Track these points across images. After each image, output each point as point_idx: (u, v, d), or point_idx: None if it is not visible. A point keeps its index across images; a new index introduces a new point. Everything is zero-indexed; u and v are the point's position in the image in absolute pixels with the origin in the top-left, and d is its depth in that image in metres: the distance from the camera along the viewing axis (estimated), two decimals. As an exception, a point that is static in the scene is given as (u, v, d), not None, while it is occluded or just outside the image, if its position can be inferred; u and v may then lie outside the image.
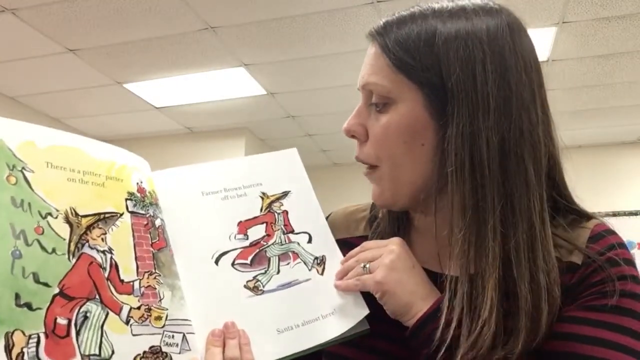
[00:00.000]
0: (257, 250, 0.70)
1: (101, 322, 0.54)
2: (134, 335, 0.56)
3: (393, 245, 0.68)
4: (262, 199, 0.73)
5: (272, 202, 0.74)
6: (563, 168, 0.69)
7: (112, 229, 0.59)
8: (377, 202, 0.71)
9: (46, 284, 0.51)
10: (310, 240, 0.73)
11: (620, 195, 4.93)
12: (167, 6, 2.95)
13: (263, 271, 0.69)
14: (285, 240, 0.72)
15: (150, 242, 0.62)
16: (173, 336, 0.59)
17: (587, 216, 0.69)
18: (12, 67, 3.68)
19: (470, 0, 0.67)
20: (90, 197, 0.59)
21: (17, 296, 0.49)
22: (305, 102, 4.27)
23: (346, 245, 0.77)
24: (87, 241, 0.56)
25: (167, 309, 0.60)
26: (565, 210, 0.69)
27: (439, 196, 0.66)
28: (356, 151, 0.71)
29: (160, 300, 0.60)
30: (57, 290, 0.52)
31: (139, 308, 0.58)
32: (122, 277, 0.58)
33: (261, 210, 0.73)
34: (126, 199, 0.62)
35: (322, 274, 0.71)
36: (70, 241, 0.55)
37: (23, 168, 0.54)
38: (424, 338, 0.62)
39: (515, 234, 0.61)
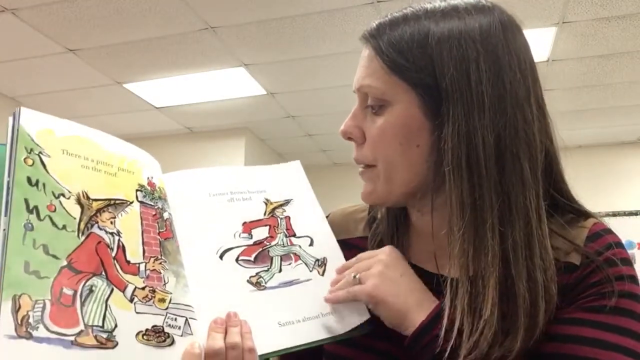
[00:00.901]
0: (261, 249, 0.72)
1: (106, 297, 0.57)
2: (137, 312, 0.58)
3: (382, 255, 0.68)
4: (266, 204, 0.76)
5: (275, 208, 0.77)
6: (562, 165, 0.69)
7: (121, 215, 0.62)
8: (366, 200, 0.72)
9: (55, 256, 0.54)
10: (312, 244, 0.75)
11: (620, 195, 4.93)
12: (167, 6, 2.95)
13: (266, 269, 0.71)
14: (287, 243, 0.74)
15: (158, 231, 0.65)
16: (176, 319, 0.61)
17: (585, 215, 0.69)
18: (12, 67, 3.68)
19: None
20: (102, 184, 0.62)
21: (26, 264, 0.52)
22: (305, 102, 4.27)
23: (346, 246, 0.78)
24: (97, 222, 0.59)
25: (171, 293, 0.62)
26: (564, 208, 0.69)
27: (435, 194, 0.66)
28: (354, 153, 0.71)
29: (165, 284, 0.62)
30: (65, 263, 0.55)
31: (143, 289, 0.60)
32: (128, 258, 0.61)
33: (265, 214, 0.75)
34: (136, 190, 0.65)
35: (322, 275, 0.73)
36: (80, 220, 0.58)
37: (40, 152, 0.58)
38: (423, 346, 0.62)
39: (512, 232, 0.61)
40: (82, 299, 0.55)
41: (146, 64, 3.60)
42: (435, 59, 0.63)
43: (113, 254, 0.59)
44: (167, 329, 0.60)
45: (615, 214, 4.72)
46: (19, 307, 0.50)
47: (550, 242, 0.63)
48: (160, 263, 0.63)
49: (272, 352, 0.65)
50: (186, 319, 0.62)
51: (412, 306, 0.64)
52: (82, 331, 0.54)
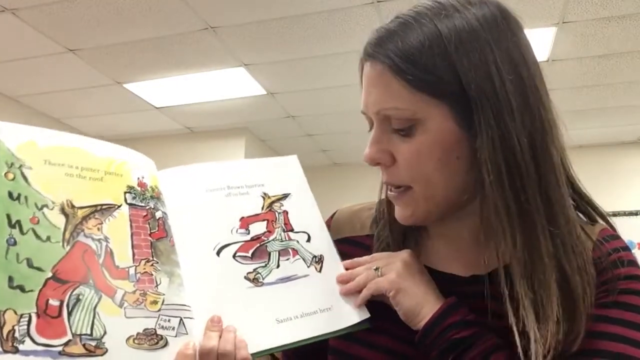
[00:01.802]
0: (258, 244, 0.72)
1: (94, 305, 0.57)
2: (127, 317, 0.58)
3: (402, 255, 0.70)
4: (264, 198, 0.76)
5: (273, 202, 0.76)
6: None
7: (108, 219, 0.62)
8: (406, 222, 0.70)
9: (39, 269, 0.55)
10: (309, 240, 0.75)
11: (620, 195, 4.93)
12: (167, 6, 2.95)
13: (263, 264, 0.70)
14: (285, 238, 0.74)
15: (149, 232, 0.65)
16: (169, 320, 0.61)
17: (592, 218, 0.70)
18: (12, 67, 3.68)
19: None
20: (88, 190, 0.62)
21: (10, 279, 0.53)
22: (305, 102, 4.27)
23: (352, 243, 0.78)
24: (83, 230, 0.59)
25: (163, 294, 0.62)
26: (575, 206, 0.70)
27: (465, 205, 0.67)
28: (383, 175, 0.69)
29: (157, 285, 0.62)
30: (50, 275, 0.55)
31: (134, 292, 0.60)
32: (117, 263, 0.61)
33: (262, 208, 0.75)
34: (125, 192, 0.65)
35: (320, 271, 0.73)
36: (65, 230, 0.58)
37: (21, 165, 0.58)
38: (435, 337, 0.63)
39: (559, 229, 0.62)
40: (69, 309, 0.55)
41: (146, 64, 3.60)
42: (459, 68, 0.61)
43: (100, 261, 0.59)
44: (159, 331, 0.60)
45: (615, 214, 4.69)
46: (4, 323, 0.51)
47: None
48: (152, 265, 0.63)
49: (270, 349, 0.65)
50: (180, 319, 0.62)
51: (430, 300, 0.66)
52: (70, 341, 0.54)
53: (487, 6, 0.64)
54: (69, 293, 0.56)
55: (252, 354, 0.62)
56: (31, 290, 0.53)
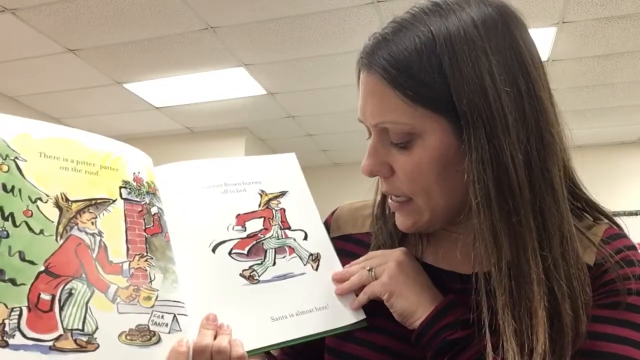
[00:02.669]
0: (255, 242, 0.71)
1: (86, 299, 0.56)
2: (119, 313, 0.57)
3: (396, 253, 0.69)
4: (261, 196, 0.75)
5: (270, 199, 0.76)
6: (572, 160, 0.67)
7: (103, 214, 0.61)
8: (408, 231, 0.70)
9: (32, 262, 0.54)
10: (306, 238, 0.75)
11: (620, 195, 4.93)
12: (167, 6, 2.95)
13: (259, 262, 0.70)
14: (282, 235, 0.73)
15: (144, 228, 0.64)
16: (163, 316, 0.60)
17: (601, 215, 0.70)
18: (12, 67, 3.68)
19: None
20: (83, 184, 0.61)
21: (1, 272, 0.52)
22: (305, 102, 4.27)
23: (352, 241, 0.78)
24: (77, 224, 0.59)
25: (157, 290, 0.61)
26: (577, 208, 0.69)
27: (467, 211, 0.64)
28: (382, 185, 0.69)
29: (151, 281, 0.61)
30: (42, 268, 0.55)
31: (127, 288, 0.59)
32: (110, 258, 0.60)
33: (259, 206, 0.74)
34: (120, 187, 0.64)
35: (316, 269, 0.72)
36: (59, 224, 0.57)
37: (16, 157, 0.57)
38: (431, 336, 0.63)
39: (551, 252, 0.59)
40: (61, 303, 0.54)
41: (146, 64, 3.60)
42: (451, 83, 0.58)
43: (94, 255, 0.59)
44: (152, 327, 0.59)
45: (615, 214, 4.69)
46: None
47: None
48: (146, 260, 0.62)
49: (265, 347, 0.64)
50: (174, 316, 0.61)
51: (424, 300, 0.65)
52: (60, 335, 0.53)
53: (485, 7, 0.61)
54: (61, 287, 0.55)
55: (247, 352, 0.61)
56: (23, 284, 0.53)
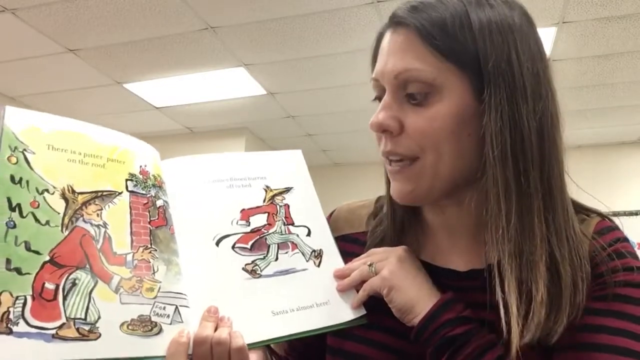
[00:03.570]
0: (258, 236, 0.72)
1: (89, 289, 0.57)
2: (122, 303, 0.59)
3: (397, 251, 0.69)
4: (266, 191, 0.76)
5: (275, 195, 0.76)
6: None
7: (109, 206, 0.62)
8: (403, 199, 0.68)
9: (37, 252, 0.55)
10: (309, 234, 0.75)
11: (620, 195, 4.93)
12: (167, 6, 2.95)
13: (262, 257, 0.70)
14: (285, 231, 0.74)
15: (149, 220, 0.65)
16: (165, 307, 0.61)
17: (589, 210, 0.71)
18: (12, 67, 3.68)
19: None
20: (89, 177, 0.62)
21: (7, 261, 0.53)
22: (305, 102, 4.27)
23: (350, 240, 0.78)
24: (82, 216, 0.60)
25: (160, 282, 0.62)
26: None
27: (470, 188, 0.66)
28: (386, 145, 0.67)
29: (154, 273, 0.62)
30: (47, 258, 0.56)
31: (130, 279, 0.60)
32: (114, 249, 0.61)
33: (264, 201, 0.75)
34: (127, 180, 0.65)
35: (318, 266, 0.73)
36: (64, 215, 0.59)
37: (24, 150, 0.59)
38: (431, 332, 0.63)
39: (555, 217, 0.62)
40: (65, 293, 0.55)
41: (146, 64, 3.60)
42: (479, 43, 0.62)
43: (98, 246, 0.60)
44: (154, 318, 0.60)
45: (615, 214, 4.69)
46: (0, 304, 0.52)
47: None
48: (150, 252, 0.63)
49: (264, 340, 0.65)
50: (176, 307, 0.62)
51: (423, 296, 0.65)
52: (63, 324, 0.54)
53: (515, 10, 0.67)
54: (65, 277, 0.56)
55: (247, 345, 0.62)
56: (28, 273, 0.54)
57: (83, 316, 0.55)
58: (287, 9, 2.98)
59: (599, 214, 0.70)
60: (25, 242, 0.55)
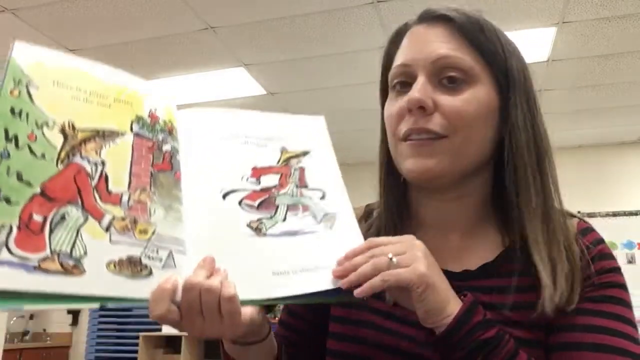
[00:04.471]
0: (267, 195, 0.68)
1: (78, 225, 0.55)
2: (111, 242, 0.57)
3: (418, 242, 0.62)
4: (282, 152, 0.73)
5: (291, 157, 0.73)
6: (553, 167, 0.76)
7: (109, 145, 0.60)
8: (422, 174, 0.68)
9: (28, 183, 0.54)
10: (323, 197, 0.71)
11: (620, 195, 4.93)
12: (167, 6, 2.95)
13: (269, 216, 0.67)
14: (297, 194, 0.70)
15: (152, 163, 0.63)
16: (157, 251, 0.59)
17: (567, 215, 0.73)
18: (12, 67, 3.68)
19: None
20: (92, 115, 0.60)
21: None
22: (305, 102, 4.27)
23: None
24: (80, 152, 0.58)
25: (155, 225, 0.60)
26: None
27: (470, 180, 0.71)
28: (416, 122, 0.68)
29: (150, 215, 0.60)
30: (38, 190, 0.54)
31: (123, 219, 0.58)
32: (110, 188, 0.59)
33: (278, 162, 0.72)
34: (132, 121, 0.63)
35: (330, 229, 0.68)
36: (61, 149, 0.57)
37: (28, 83, 0.58)
38: (461, 337, 0.59)
39: (559, 203, 0.71)
40: (52, 226, 0.54)
41: (146, 64, 3.60)
42: (507, 53, 0.70)
43: (93, 183, 0.58)
44: (145, 261, 0.58)
45: (615, 214, 4.71)
46: None
47: None
48: (148, 195, 0.61)
49: (262, 299, 0.61)
50: (170, 252, 0.60)
51: (453, 297, 0.61)
52: (47, 257, 0.52)
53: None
54: (55, 210, 0.54)
55: (242, 302, 0.57)
56: (16, 203, 0.52)
57: (68, 251, 0.53)
58: (287, 9, 2.98)
59: (575, 216, 0.74)
60: (18, 173, 0.53)
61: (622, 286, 0.68)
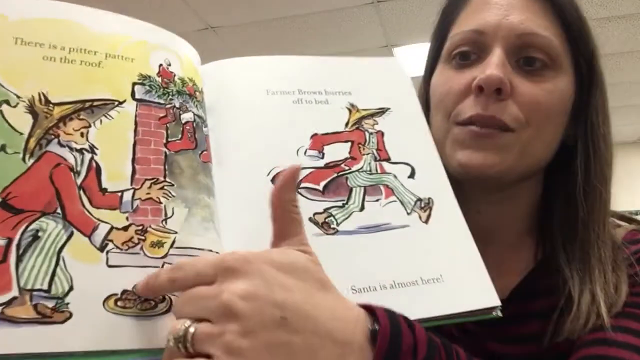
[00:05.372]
0: (335, 174, 0.50)
1: (59, 246, 0.38)
2: (109, 266, 0.39)
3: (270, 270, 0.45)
4: (350, 111, 0.55)
5: (364, 117, 0.55)
6: None
7: (100, 121, 0.42)
8: (485, 170, 0.57)
9: None
10: (412, 175, 0.53)
11: (620, 196, 4.92)
12: (167, 6, 2.95)
13: (340, 204, 0.49)
14: (376, 169, 0.52)
15: (165, 141, 0.44)
16: None
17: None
18: (12, 67, 3.69)
19: None
20: (75, 80, 0.43)
21: None
22: (305, 102, 4.28)
23: None
24: (58, 136, 0.41)
25: (174, 233, 0.42)
26: None
27: (523, 184, 0.61)
28: (486, 108, 0.56)
29: (166, 219, 0.42)
30: None
31: (125, 229, 0.40)
32: (105, 184, 0.41)
33: (347, 125, 0.54)
34: (134, 83, 0.45)
35: (426, 222, 0.51)
36: (30, 136, 0.40)
37: None
38: None
39: (605, 222, 0.63)
40: (20, 252, 0.37)
41: (146, 64, 3.60)
42: (595, 53, 0.60)
43: (79, 181, 0.40)
44: None
45: (614, 214, 4.71)
46: None
47: None
48: (162, 188, 0.43)
49: None
50: None
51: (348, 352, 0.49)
52: (14, 299, 0.35)
53: None
54: (23, 228, 0.37)
55: None
56: None
57: (46, 287, 0.36)
58: (287, 9, 2.98)
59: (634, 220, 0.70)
60: None
61: None
